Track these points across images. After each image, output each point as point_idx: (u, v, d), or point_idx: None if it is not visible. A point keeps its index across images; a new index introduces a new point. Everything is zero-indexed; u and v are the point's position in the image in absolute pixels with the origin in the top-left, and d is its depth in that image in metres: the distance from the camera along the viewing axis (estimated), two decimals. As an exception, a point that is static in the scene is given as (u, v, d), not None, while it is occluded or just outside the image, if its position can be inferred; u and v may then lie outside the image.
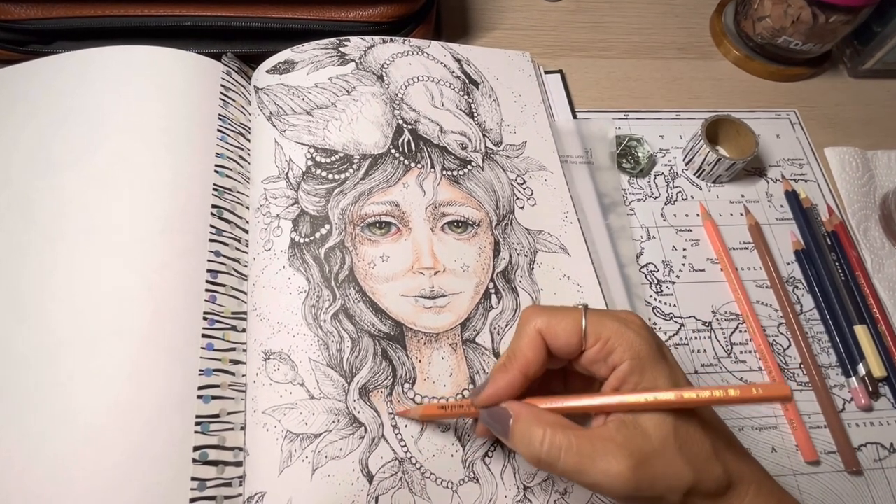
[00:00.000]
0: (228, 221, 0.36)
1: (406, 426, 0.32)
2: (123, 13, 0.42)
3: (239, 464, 0.31)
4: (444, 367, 0.34)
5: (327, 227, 0.37)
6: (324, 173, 0.38)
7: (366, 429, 0.32)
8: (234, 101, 0.41)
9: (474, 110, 0.43)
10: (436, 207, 0.38)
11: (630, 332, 0.26)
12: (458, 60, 0.45)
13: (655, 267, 0.42)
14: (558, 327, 0.26)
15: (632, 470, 0.23)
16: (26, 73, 0.40)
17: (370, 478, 0.31)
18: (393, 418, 0.32)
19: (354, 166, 0.39)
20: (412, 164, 0.39)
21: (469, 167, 0.40)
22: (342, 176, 0.38)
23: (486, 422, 0.28)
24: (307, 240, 0.36)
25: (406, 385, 0.33)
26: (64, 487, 0.28)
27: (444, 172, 0.39)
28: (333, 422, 0.32)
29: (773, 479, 0.26)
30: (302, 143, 0.39)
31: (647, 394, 0.24)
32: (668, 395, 0.24)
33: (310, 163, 0.38)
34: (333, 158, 0.39)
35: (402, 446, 0.32)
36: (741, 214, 0.45)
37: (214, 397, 0.31)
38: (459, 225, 0.38)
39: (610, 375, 0.26)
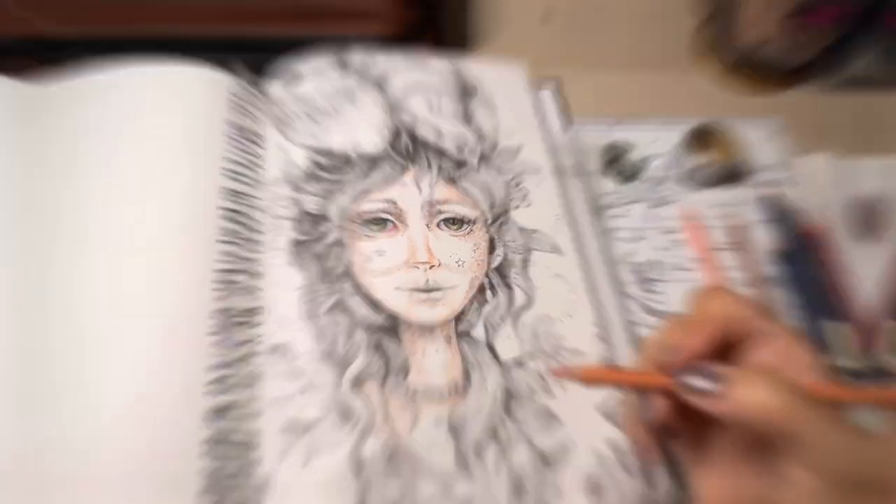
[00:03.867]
0: (240, 223, 0.38)
1: (400, 418, 0.33)
2: (139, 28, 0.45)
3: (246, 456, 0.32)
4: (439, 359, 0.35)
5: (326, 225, 0.39)
6: (324, 174, 0.40)
7: (358, 420, 0.33)
8: (243, 109, 0.43)
9: (471, 118, 0.45)
10: (432, 205, 0.40)
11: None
12: (455, 72, 0.47)
13: (644, 268, 0.44)
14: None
15: None
16: (54, 91, 0.42)
17: (361, 469, 0.31)
18: (385, 410, 0.33)
19: (354, 167, 0.41)
20: (409, 166, 0.41)
21: (465, 168, 0.42)
22: (342, 176, 0.40)
23: (685, 385, 0.26)
24: (306, 238, 0.38)
25: (400, 377, 0.34)
26: (84, 479, 0.29)
27: (441, 173, 0.41)
28: (326, 413, 0.32)
29: None
30: (305, 147, 0.41)
31: None
32: None
33: (311, 165, 0.41)
34: (334, 161, 0.41)
35: (395, 438, 0.32)
36: (726, 217, 0.47)
37: (225, 391, 0.33)
38: (455, 222, 0.40)
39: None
